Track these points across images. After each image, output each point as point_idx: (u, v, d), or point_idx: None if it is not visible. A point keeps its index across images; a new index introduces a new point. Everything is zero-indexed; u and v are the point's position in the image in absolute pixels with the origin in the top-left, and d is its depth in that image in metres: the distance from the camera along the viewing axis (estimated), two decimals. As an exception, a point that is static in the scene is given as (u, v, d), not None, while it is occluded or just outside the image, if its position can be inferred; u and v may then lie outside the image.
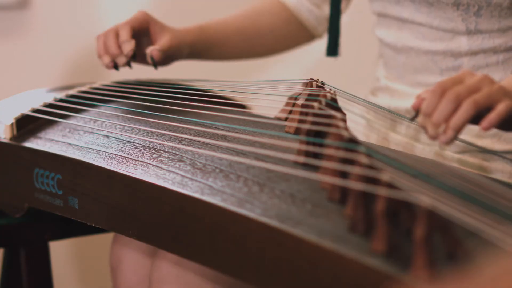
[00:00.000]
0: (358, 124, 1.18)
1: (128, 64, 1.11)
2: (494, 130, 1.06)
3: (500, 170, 1.05)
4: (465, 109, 0.79)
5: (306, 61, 1.93)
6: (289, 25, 1.29)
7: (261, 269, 0.66)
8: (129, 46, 1.08)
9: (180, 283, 0.95)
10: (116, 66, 1.11)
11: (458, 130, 0.79)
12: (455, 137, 0.80)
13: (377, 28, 1.18)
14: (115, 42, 1.09)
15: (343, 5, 1.26)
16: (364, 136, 1.20)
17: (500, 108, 0.79)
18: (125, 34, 1.09)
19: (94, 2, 1.89)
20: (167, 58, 1.14)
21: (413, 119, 0.84)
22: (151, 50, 1.11)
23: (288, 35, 1.31)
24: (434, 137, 0.80)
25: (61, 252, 1.89)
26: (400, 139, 1.14)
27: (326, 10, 1.27)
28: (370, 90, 1.23)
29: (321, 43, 1.35)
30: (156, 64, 1.11)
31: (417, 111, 0.83)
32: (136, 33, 1.12)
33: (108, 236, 1.17)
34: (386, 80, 1.18)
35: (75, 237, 1.23)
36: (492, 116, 0.79)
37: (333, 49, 1.24)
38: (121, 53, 1.09)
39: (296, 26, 1.30)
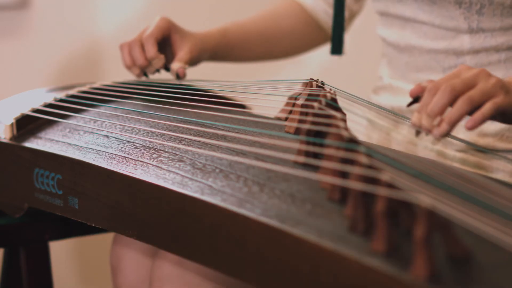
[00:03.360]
0: (359, 124, 1.18)
1: (157, 70, 1.15)
2: (497, 129, 1.06)
3: (501, 169, 1.05)
4: (460, 105, 0.80)
5: (308, 61, 1.93)
6: (307, 27, 1.30)
7: (261, 269, 0.66)
8: (159, 63, 1.13)
9: (181, 283, 0.95)
10: (146, 74, 1.16)
11: (452, 124, 0.80)
12: (449, 131, 0.80)
13: (379, 27, 1.18)
14: (142, 55, 1.12)
15: (355, 7, 1.27)
16: (365, 136, 1.20)
17: (486, 108, 0.80)
18: (151, 50, 1.12)
19: (93, 2, 1.89)
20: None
21: (409, 105, 0.85)
22: (178, 68, 1.13)
23: (307, 36, 1.31)
24: (428, 130, 0.81)
25: (61, 252, 1.89)
26: (401, 138, 1.14)
27: None
28: (372, 89, 1.23)
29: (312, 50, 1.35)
30: (180, 78, 1.15)
31: (414, 98, 0.84)
32: (159, 43, 1.14)
33: (108, 236, 1.17)
34: (391, 79, 1.18)
35: (75, 237, 1.23)
36: (476, 116, 0.80)
37: (337, 48, 1.24)
38: (149, 64, 1.13)
39: (314, 27, 1.30)
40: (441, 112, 0.81)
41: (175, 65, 1.14)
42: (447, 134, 0.80)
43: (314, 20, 1.30)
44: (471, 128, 0.80)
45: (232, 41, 1.24)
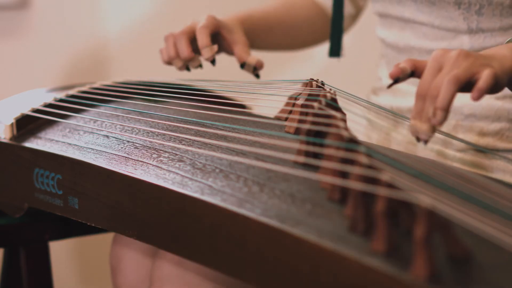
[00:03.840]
0: (359, 124, 1.18)
1: (200, 65, 1.12)
2: (497, 129, 1.06)
3: (501, 169, 1.05)
4: (447, 87, 0.79)
5: (307, 61, 1.93)
6: (320, 19, 1.30)
7: (261, 269, 0.66)
8: (210, 52, 1.09)
9: (181, 283, 0.95)
10: (188, 68, 1.13)
11: (447, 109, 0.79)
12: (446, 117, 0.79)
13: (378, 28, 1.18)
14: (188, 47, 1.10)
15: (362, 1, 1.27)
16: (365, 136, 1.20)
17: (486, 75, 0.79)
18: (205, 39, 1.09)
19: (94, 2, 1.89)
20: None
21: (389, 87, 0.85)
22: (256, 62, 1.11)
23: (320, 28, 1.31)
24: (427, 136, 0.81)
25: (61, 252, 1.90)
26: (401, 139, 1.14)
27: (348, 8, 1.27)
28: (372, 89, 1.23)
29: (323, 43, 1.35)
30: (257, 73, 1.12)
31: (394, 80, 0.84)
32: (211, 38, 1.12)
33: (108, 236, 1.18)
34: (389, 79, 1.17)
35: (75, 237, 1.23)
36: (480, 85, 0.79)
37: (335, 50, 1.24)
38: (193, 57, 1.10)
39: (325, 21, 1.30)
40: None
41: (253, 60, 1.11)
42: (445, 120, 0.80)
43: (325, 14, 1.30)
44: (477, 98, 0.78)
45: (257, 27, 1.23)
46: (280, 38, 1.29)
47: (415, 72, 0.85)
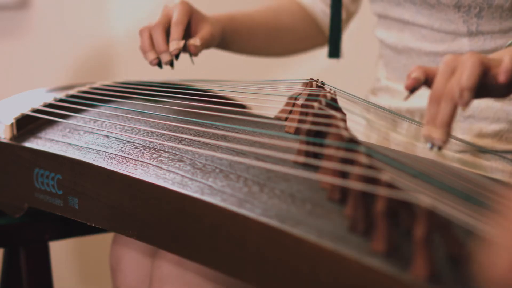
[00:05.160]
0: (359, 124, 1.18)
1: (171, 64, 1.08)
2: (496, 130, 1.06)
3: (500, 169, 1.05)
4: (472, 66, 0.75)
5: (307, 61, 1.93)
6: (306, 25, 1.29)
7: (261, 269, 0.66)
8: (176, 45, 1.05)
9: (181, 283, 0.95)
10: (160, 64, 1.08)
11: (473, 88, 0.75)
12: (472, 97, 0.75)
13: (377, 29, 1.18)
14: (164, 39, 1.06)
15: (352, 7, 1.26)
16: (364, 136, 1.20)
17: (508, 59, 0.76)
18: (176, 33, 1.05)
19: (94, 2, 1.89)
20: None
21: (406, 99, 0.81)
22: (189, 45, 1.07)
23: (306, 35, 1.30)
24: (442, 142, 0.77)
25: (61, 252, 1.90)
26: (400, 139, 1.14)
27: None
28: (370, 90, 1.23)
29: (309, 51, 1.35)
30: (192, 56, 1.08)
31: (410, 90, 0.80)
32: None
33: (108, 236, 1.18)
34: (387, 80, 1.18)
35: (75, 237, 1.23)
36: (504, 66, 0.76)
37: (335, 51, 1.23)
38: (167, 50, 1.06)
39: (313, 26, 1.30)
40: (450, 121, 0.76)
41: (190, 41, 1.07)
42: (471, 101, 0.75)
43: (312, 19, 1.29)
44: (505, 79, 0.75)
45: (238, 29, 1.21)
46: (262, 42, 1.28)
47: (427, 80, 0.81)
